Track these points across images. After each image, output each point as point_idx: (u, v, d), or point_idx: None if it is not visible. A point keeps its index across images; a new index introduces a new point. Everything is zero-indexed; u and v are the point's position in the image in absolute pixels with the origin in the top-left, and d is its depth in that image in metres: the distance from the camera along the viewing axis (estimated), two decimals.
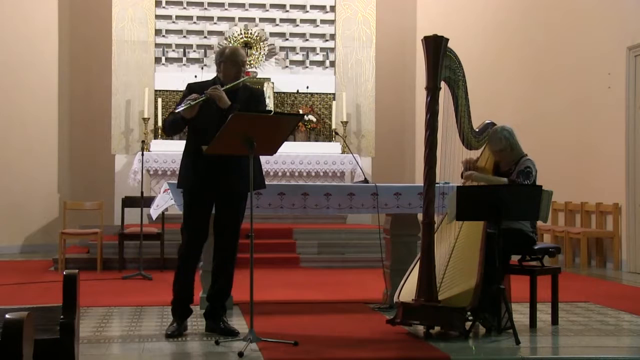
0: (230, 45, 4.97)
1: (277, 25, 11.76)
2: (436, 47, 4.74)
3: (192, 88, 4.77)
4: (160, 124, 10.74)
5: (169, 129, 4.86)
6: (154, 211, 5.91)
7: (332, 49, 11.78)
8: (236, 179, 4.65)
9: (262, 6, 11.74)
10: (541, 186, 4.70)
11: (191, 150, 4.72)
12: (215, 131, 4.42)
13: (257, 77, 11.33)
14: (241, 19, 11.65)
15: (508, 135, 5.08)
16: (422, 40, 4.80)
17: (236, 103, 4.61)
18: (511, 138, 5.10)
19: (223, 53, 4.79)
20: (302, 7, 11.84)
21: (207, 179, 4.64)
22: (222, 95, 4.57)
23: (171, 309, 4.81)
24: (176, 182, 4.98)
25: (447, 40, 4.78)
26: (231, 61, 4.72)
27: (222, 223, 4.77)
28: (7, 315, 2.30)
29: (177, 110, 4.56)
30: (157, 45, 11.44)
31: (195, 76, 10.31)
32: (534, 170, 5.02)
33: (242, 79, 4.73)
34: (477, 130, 5.06)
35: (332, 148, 11.21)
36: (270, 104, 11.28)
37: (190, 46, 11.45)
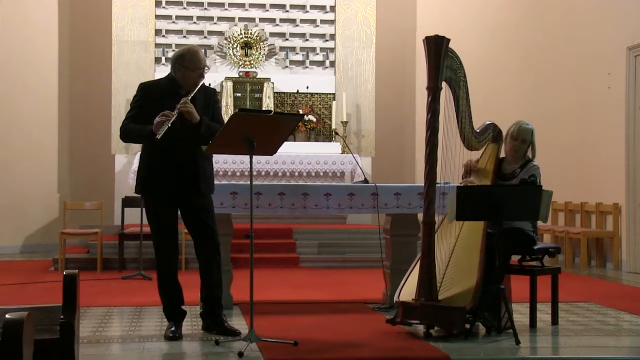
0: (191, 46, 4.86)
1: (277, 25, 11.77)
2: (437, 47, 4.74)
3: (148, 89, 4.74)
4: None
5: (131, 139, 4.76)
6: None
7: (332, 49, 11.79)
8: (196, 179, 4.63)
9: (262, 6, 11.75)
10: (541, 186, 4.70)
11: (150, 153, 4.66)
12: (174, 138, 4.44)
13: (258, 76, 11.37)
14: (241, 19, 11.67)
15: (533, 130, 5.09)
16: (423, 40, 4.80)
17: (195, 105, 4.57)
18: (534, 134, 5.09)
19: (184, 58, 4.65)
20: (302, 7, 11.85)
21: (170, 180, 4.60)
22: (193, 111, 4.51)
23: (164, 313, 4.80)
24: None
25: (449, 40, 4.78)
26: (193, 68, 4.64)
27: (191, 224, 4.73)
28: (7, 315, 2.30)
29: (158, 136, 4.39)
30: (157, 45, 11.45)
31: None
32: (538, 178, 4.99)
33: (201, 83, 4.66)
34: (477, 130, 5.05)
35: (332, 148, 11.21)
36: (270, 104, 11.29)
37: None
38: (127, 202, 8.33)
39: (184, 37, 11.53)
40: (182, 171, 4.61)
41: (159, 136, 4.41)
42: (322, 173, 10.90)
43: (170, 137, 4.47)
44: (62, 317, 2.94)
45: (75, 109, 11.61)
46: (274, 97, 11.33)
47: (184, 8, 11.61)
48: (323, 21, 11.86)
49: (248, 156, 4.46)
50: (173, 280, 4.75)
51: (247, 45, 11.49)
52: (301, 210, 5.62)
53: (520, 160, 5.09)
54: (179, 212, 4.76)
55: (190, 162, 4.62)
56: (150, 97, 4.64)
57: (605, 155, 9.00)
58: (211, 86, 9.67)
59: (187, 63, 4.64)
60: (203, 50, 11.34)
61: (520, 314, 5.28)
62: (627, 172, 8.64)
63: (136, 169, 10.03)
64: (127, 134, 4.67)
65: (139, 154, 4.96)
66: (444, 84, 4.81)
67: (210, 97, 4.82)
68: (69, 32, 11.50)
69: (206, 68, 4.72)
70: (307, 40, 11.82)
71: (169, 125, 4.41)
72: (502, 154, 5.21)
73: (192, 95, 4.57)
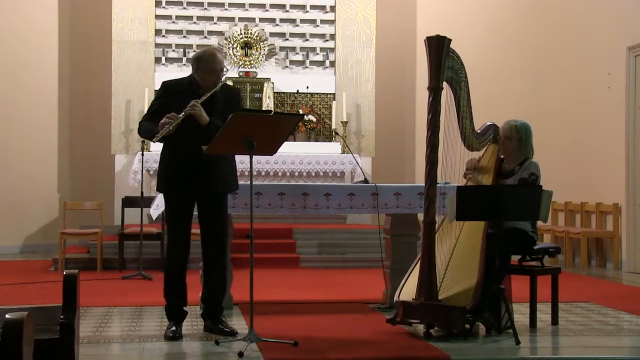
0: (209, 49, 4.89)
1: (277, 25, 11.76)
2: (439, 47, 4.75)
3: (168, 87, 4.79)
4: None
5: (143, 136, 4.85)
6: (154, 211, 5.92)
7: (332, 49, 11.78)
8: (213, 179, 4.66)
9: (262, 6, 11.74)
10: (541, 186, 4.70)
11: (168, 153, 4.72)
12: (190, 138, 4.51)
13: (258, 76, 11.36)
14: (241, 19, 11.65)
15: (519, 126, 5.04)
16: (424, 40, 4.81)
17: (216, 105, 4.61)
18: (523, 130, 5.04)
19: (200, 60, 4.68)
20: (302, 7, 11.83)
21: (185, 180, 4.63)
22: (202, 114, 4.53)
23: (165, 313, 4.81)
24: None
25: (450, 40, 4.79)
26: (209, 71, 4.66)
27: (204, 223, 4.75)
28: (7, 315, 2.30)
29: (155, 139, 4.52)
30: (157, 45, 11.44)
31: None
32: (538, 176, 5.00)
33: (220, 85, 4.68)
34: (478, 131, 5.06)
35: (332, 148, 11.21)
36: (270, 104, 11.28)
37: (190, 46, 11.43)
38: (127, 202, 8.33)
39: (184, 37, 11.52)
40: (200, 172, 4.63)
41: (155, 139, 4.50)
42: (322, 173, 10.90)
43: (189, 138, 4.53)
44: (62, 317, 2.93)
45: (75, 109, 11.60)
46: (274, 97, 11.32)
47: (184, 8, 11.60)
48: (323, 21, 11.85)
49: (248, 156, 4.46)
50: (180, 280, 4.76)
51: (247, 45, 11.49)
52: (301, 210, 5.62)
53: (519, 158, 5.09)
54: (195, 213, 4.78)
55: (208, 163, 4.63)
56: (171, 95, 4.70)
57: (605, 155, 9.00)
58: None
59: (204, 66, 4.67)
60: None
61: (520, 314, 5.28)
62: (627, 172, 8.64)
63: (136, 169, 10.17)
64: (140, 130, 4.79)
65: (139, 153, 4.99)
66: (445, 84, 4.82)
67: (232, 97, 4.83)
68: (69, 32, 11.49)
69: (225, 69, 4.75)
70: (307, 40, 11.81)
71: (170, 128, 4.45)
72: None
73: (205, 97, 4.59)
